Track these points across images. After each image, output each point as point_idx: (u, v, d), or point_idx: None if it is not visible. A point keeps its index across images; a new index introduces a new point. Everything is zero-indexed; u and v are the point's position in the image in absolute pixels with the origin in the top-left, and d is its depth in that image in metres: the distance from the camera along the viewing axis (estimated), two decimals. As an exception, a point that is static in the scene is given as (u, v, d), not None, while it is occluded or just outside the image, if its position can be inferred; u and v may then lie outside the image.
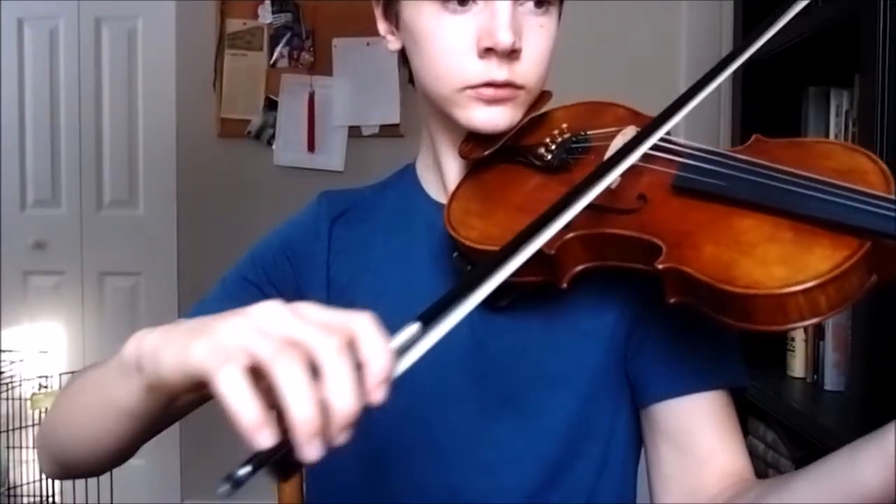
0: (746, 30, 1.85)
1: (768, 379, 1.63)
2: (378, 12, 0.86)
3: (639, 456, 0.86)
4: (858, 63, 1.26)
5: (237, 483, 0.46)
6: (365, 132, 2.74)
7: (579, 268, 0.72)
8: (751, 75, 1.78)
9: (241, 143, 2.78)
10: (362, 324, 0.50)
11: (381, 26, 0.86)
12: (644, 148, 0.69)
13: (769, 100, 1.75)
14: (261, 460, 0.47)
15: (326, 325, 0.50)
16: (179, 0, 2.78)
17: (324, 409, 0.46)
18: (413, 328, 0.54)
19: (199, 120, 2.79)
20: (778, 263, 0.61)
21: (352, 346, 0.49)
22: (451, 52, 0.77)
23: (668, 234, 0.66)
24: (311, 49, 2.74)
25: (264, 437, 0.46)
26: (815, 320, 0.60)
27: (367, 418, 0.83)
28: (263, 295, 0.89)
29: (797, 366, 1.63)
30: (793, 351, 1.63)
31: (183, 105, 2.81)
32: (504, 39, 0.74)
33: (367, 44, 2.66)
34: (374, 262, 0.89)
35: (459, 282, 0.58)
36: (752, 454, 1.69)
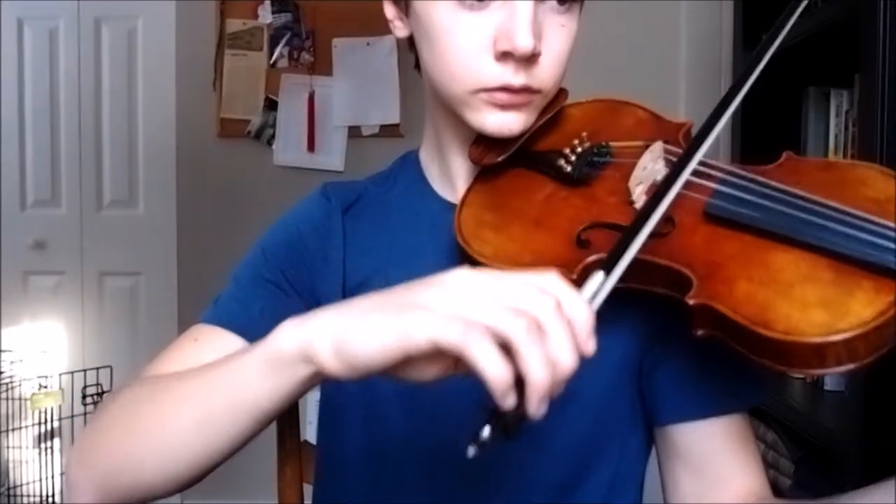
0: (746, 30, 1.85)
1: (768, 379, 1.63)
2: None
3: (645, 466, 0.85)
4: (858, 63, 1.26)
5: (483, 444, 0.51)
6: (365, 132, 2.74)
7: None
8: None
9: (241, 143, 2.78)
10: (557, 282, 0.52)
11: (389, 10, 0.80)
12: (686, 175, 0.65)
13: (769, 100, 1.75)
14: (499, 419, 0.51)
15: (535, 287, 0.52)
16: (179, 0, 2.78)
17: (553, 371, 0.50)
18: (598, 277, 0.57)
19: (199, 120, 2.79)
20: (817, 307, 0.57)
21: (564, 308, 0.51)
22: (466, 52, 0.71)
23: (699, 265, 0.63)
24: (311, 49, 2.74)
25: (511, 398, 0.50)
26: (852, 366, 0.57)
27: (379, 438, 0.82)
28: (281, 291, 0.85)
29: (797, 366, 1.63)
30: (793, 351, 1.63)
31: (183, 105, 2.81)
32: (524, 44, 0.68)
33: (367, 44, 2.66)
34: (382, 261, 0.85)
35: (626, 228, 0.61)
36: (752, 454, 1.69)
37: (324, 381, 0.58)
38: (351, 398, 0.85)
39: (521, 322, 0.49)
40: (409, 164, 0.90)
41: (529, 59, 0.71)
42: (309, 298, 0.85)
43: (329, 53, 2.72)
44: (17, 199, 2.95)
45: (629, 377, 0.80)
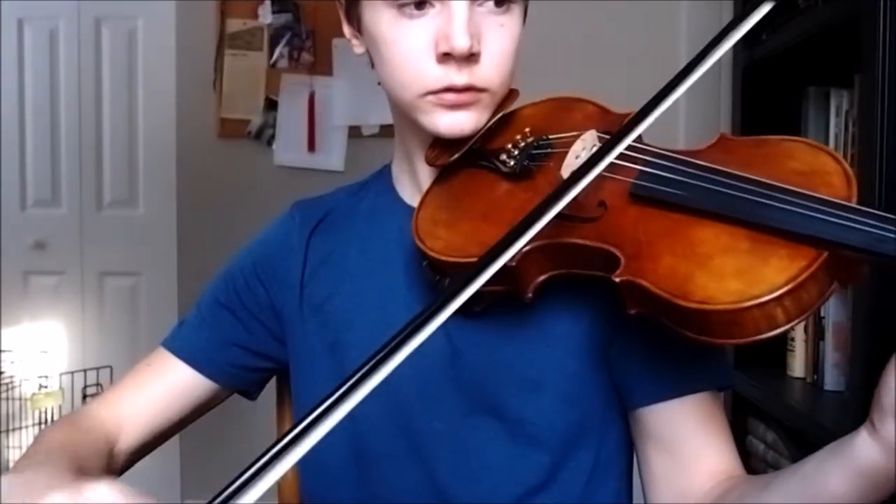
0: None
1: (768, 379, 1.63)
2: (341, 14, 0.85)
3: (633, 458, 0.86)
4: (858, 63, 1.26)
5: None
6: (365, 132, 2.74)
7: (542, 277, 0.71)
8: (751, 75, 1.78)
9: (241, 143, 2.78)
10: None
11: (346, 29, 0.85)
12: (608, 159, 0.67)
13: (769, 100, 1.75)
14: None
15: None
16: (179, 0, 2.78)
17: None
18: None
19: (199, 120, 2.79)
20: (733, 276, 0.59)
21: None
22: (410, 57, 0.76)
23: (627, 245, 0.65)
24: (311, 49, 2.74)
25: None
26: (773, 333, 0.59)
27: (354, 427, 0.83)
28: (235, 318, 0.91)
29: (797, 366, 1.63)
30: (793, 351, 1.63)
31: (183, 105, 2.81)
32: (460, 44, 0.72)
33: (367, 44, 2.66)
34: (351, 269, 0.88)
35: (386, 342, 0.58)
36: (752, 454, 1.70)
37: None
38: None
39: None
40: (383, 176, 0.94)
41: (469, 59, 0.74)
42: (269, 319, 0.92)
43: (329, 53, 2.72)
44: (17, 199, 2.96)
45: (598, 364, 0.81)
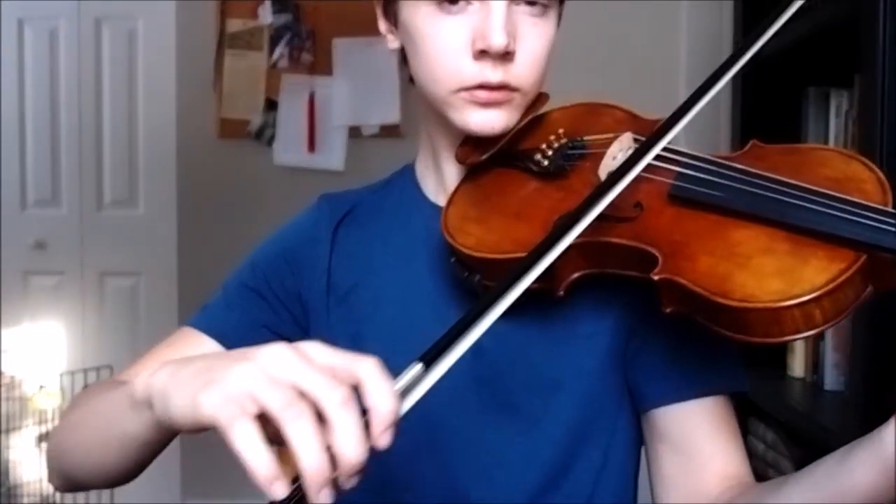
0: (746, 30, 1.85)
1: (768, 379, 1.63)
2: (378, 10, 0.85)
3: (639, 458, 0.86)
4: (858, 63, 1.26)
5: None
6: (365, 132, 2.74)
7: (576, 275, 0.72)
8: (751, 75, 1.78)
9: (241, 143, 2.78)
10: (368, 369, 0.51)
11: (381, 25, 0.86)
12: (647, 160, 0.69)
13: (769, 100, 1.75)
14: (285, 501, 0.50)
15: (333, 371, 0.51)
16: (179, 0, 2.78)
17: (332, 458, 0.48)
18: (416, 369, 0.55)
19: (199, 120, 2.79)
20: (773, 276, 0.60)
21: (358, 391, 0.50)
22: (446, 53, 0.77)
23: (664, 244, 0.66)
24: (311, 49, 2.74)
25: (278, 489, 0.48)
26: (810, 333, 0.60)
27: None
28: (264, 301, 0.90)
29: (797, 366, 1.63)
30: (793, 351, 1.63)
31: (183, 105, 2.81)
32: (497, 41, 0.73)
33: (367, 44, 2.66)
34: (375, 264, 0.89)
35: (459, 319, 0.59)
36: (752, 454, 1.70)
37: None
38: None
39: (296, 406, 0.49)
40: (406, 175, 0.94)
41: (504, 57, 0.76)
42: (295, 306, 0.90)
43: (329, 53, 2.72)
44: (17, 199, 2.95)
45: (615, 364, 0.82)
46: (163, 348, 0.88)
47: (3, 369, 2.46)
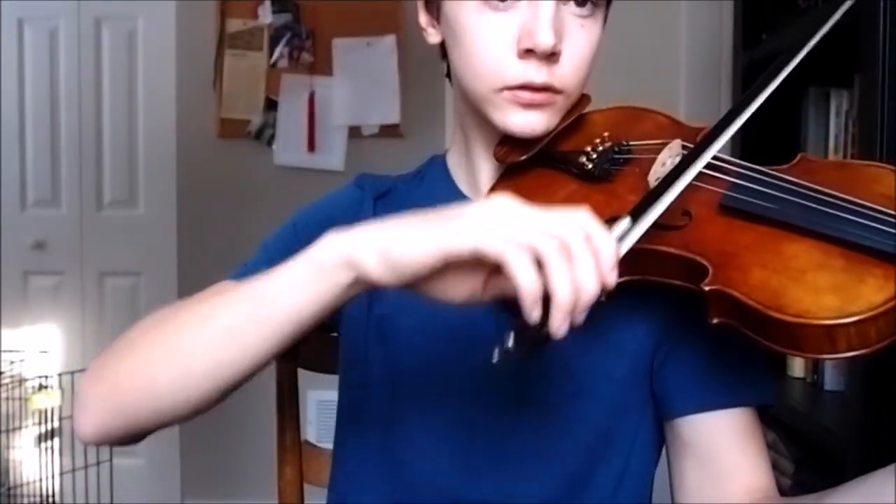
0: (746, 30, 1.85)
1: (774, 379, 1.63)
2: (420, 3, 0.83)
3: (656, 464, 0.86)
4: (858, 63, 1.26)
5: (507, 351, 0.57)
6: (365, 132, 2.74)
7: (618, 281, 0.71)
8: (751, 75, 1.78)
9: (241, 143, 2.78)
10: (587, 218, 0.57)
11: (422, 18, 0.84)
12: (703, 162, 0.69)
13: (769, 100, 1.75)
14: (523, 332, 0.56)
15: (569, 218, 0.57)
16: (179, 0, 2.78)
17: (576, 294, 0.55)
18: (625, 222, 0.62)
19: (199, 120, 2.79)
20: (829, 292, 0.59)
21: (591, 239, 0.57)
22: (491, 50, 0.75)
23: (714, 255, 0.65)
24: (311, 49, 2.74)
25: (537, 311, 0.55)
26: (863, 351, 0.59)
27: (394, 406, 0.84)
28: None
29: (797, 366, 1.63)
30: (793, 351, 1.63)
31: (183, 105, 2.81)
32: (545, 41, 0.72)
33: (367, 44, 2.66)
34: None
35: (660, 182, 0.67)
36: (752, 454, 1.69)
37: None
38: (372, 404, 0.87)
39: (554, 242, 0.55)
40: (437, 166, 0.93)
41: (550, 58, 0.74)
42: None
43: (329, 53, 2.72)
44: (17, 199, 2.95)
45: (643, 372, 0.81)
46: (201, 295, 0.78)
47: (3, 369, 2.45)
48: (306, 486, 1.05)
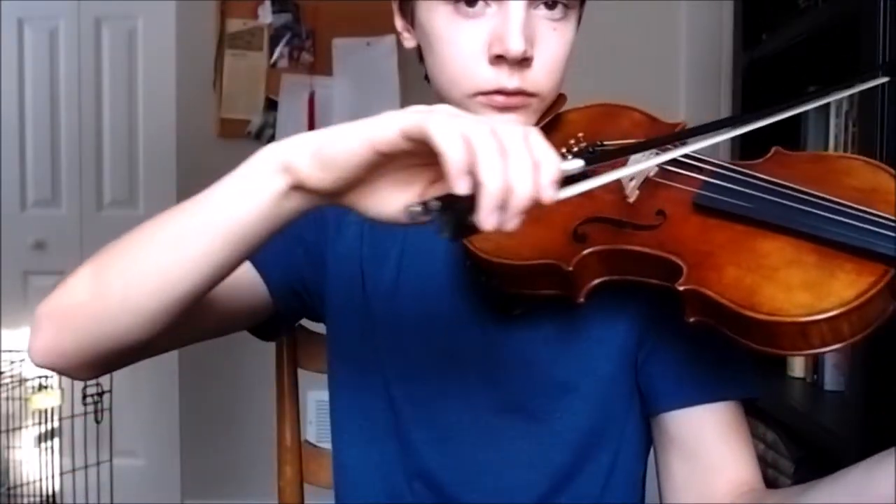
0: (746, 30, 1.85)
1: (768, 379, 1.63)
2: (395, 7, 0.84)
3: (647, 461, 0.86)
4: (858, 63, 1.26)
5: (427, 209, 0.53)
6: (365, 132, 2.74)
7: (596, 281, 0.71)
8: (751, 75, 1.78)
9: (241, 143, 2.78)
10: (534, 132, 0.54)
11: (398, 22, 0.84)
12: (675, 150, 0.69)
13: (769, 100, 1.75)
14: (450, 203, 0.53)
15: (510, 125, 0.54)
16: (179, 0, 2.78)
17: (507, 189, 0.52)
18: (577, 163, 0.59)
19: (199, 120, 2.79)
20: (801, 289, 0.60)
21: (533, 150, 0.53)
22: (463, 57, 0.75)
23: (689, 254, 0.65)
24: (311, 49, 2.73)
25: (463, 183, 0.52)
26: (837, 346, 0.60)
27: (393, 410, 0.84)
28: (297, 244, 0.88)
29: (797, 366, 1.63)
30: (793, 351, 1.63)
31: (183, 105, 2.81)
32: (515, 47, 0.72)
33: (367, 44, 2.66)
34: (395, 249, 0.88)
35: (632, 145, 0.66)
36: (752, 454, 1.70)
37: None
38: (366, 404, 0.88)
39: (489, 135, 0.52)
40: None
41: (522, 63, 0.74)
42: (317, 260, 0.89)
43: (329, 53, 2.72)
44: (17, 199, 2.95)
45: (627, 368, 0.82)
46: (148, 221, 0.78)
47: (3, 369, 2.45)
48: (306, 486, 1.06)
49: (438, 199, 0.53)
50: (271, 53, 2.75)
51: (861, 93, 1.33)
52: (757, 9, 1.81)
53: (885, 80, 0.76)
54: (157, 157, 2.88)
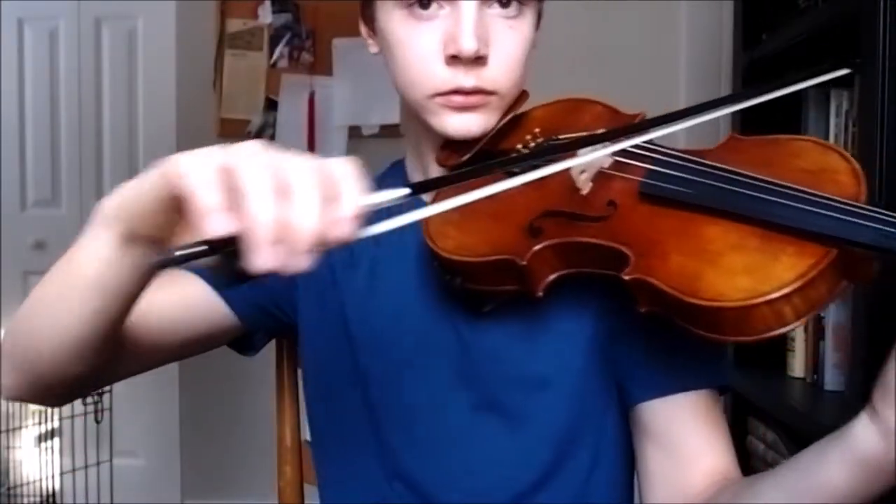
0: (746, 30, 1.85)
1: (768, 379, 1.63)
2: (360, 14, 0.86)
3: (633, 457, 0.86)
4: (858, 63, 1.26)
5: (167, 261, 0.47)
6: (365, 132, 2.74)
7: (553, 276, 0.72)
8: (751, 75, 1.78)
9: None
10: (343, 167, 0.51)
11: (362, 29, 0.86)
12: (608, 149, 0.69)
13: (769, 100, 1.75)
14: (206, 247, 0.47)
15: (309, 164, 0.51)
16: (179, 0, 2.78)
17: (285, 225, 0.47)
18: (403, 192, 0.56)
19: (199, 120, 2.79)
20: (742, 274, 0.60)
21: (329, 184, 0.50)
22: (419, 59, 0.77)
23: (636, 243, 0.66)
24: (311, 49, 2.74)
25: (217, 221, 0.47)
26: (782, 330, 0.59)
27: (365, 422, 0.84)
28: None
29: (797, 366, 1.63)
30: (793, 351, 1.63)
31: (183, 105, 2.81)
32: (467, 46, 0.73)
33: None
34: (367, 253, 0.88)
35: (461, 172, 0.64)
36: (752, 454, 1.70)
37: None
38: (346, 413, 0.88)
39: (257, 163, 0.49)
40: (397, 171, 0.94)
41: (477, 61, 0.75)
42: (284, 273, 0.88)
43: (329, 53, 2.72)
44: (17, 199, 2.96)
45: (601, 361, 0.82)
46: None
47: (3, 369, 2.45)
48: (306, 486, 1.06)
49: (205, 242, 0.48)
50: (271, 53, 2.75)
51: (861, 93, 1.33)
52: (757, 9, 1.80)
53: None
54: (157, 157, 2.82)
